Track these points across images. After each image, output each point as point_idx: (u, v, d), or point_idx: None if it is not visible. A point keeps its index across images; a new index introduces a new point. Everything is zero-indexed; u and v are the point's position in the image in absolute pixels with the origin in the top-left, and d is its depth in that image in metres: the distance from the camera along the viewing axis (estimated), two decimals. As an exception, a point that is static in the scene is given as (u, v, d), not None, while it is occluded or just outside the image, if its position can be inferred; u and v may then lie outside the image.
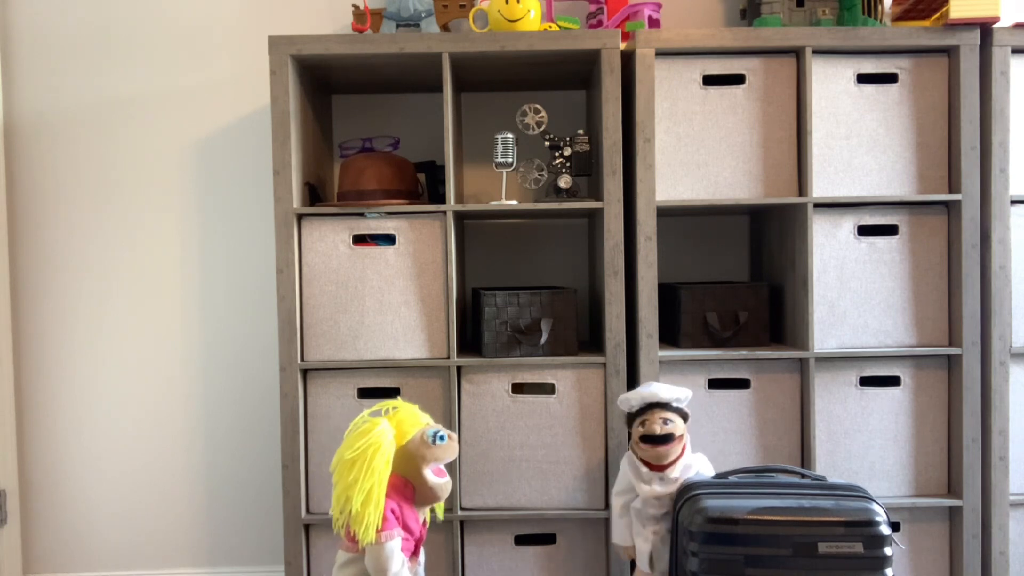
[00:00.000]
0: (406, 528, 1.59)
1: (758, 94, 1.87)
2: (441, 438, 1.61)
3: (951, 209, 1.88)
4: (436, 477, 1.60)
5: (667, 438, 1.63)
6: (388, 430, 1.56)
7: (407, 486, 1.59)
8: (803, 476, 1.64)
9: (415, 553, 1.63)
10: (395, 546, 1.54)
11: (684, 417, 1.68)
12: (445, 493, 1.62)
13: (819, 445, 1.88)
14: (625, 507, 1.73)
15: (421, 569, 1.66)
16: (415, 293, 1.87)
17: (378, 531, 1.52)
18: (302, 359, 1.87)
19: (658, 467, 1.66)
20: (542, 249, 2.26)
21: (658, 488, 1.66)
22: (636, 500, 1.71)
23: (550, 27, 1.92)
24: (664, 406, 1.66)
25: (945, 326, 1.89)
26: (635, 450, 1.69)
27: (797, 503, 1.54)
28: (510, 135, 1.88)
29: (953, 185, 1.87)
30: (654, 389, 1.67)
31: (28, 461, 2.26)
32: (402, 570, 1.55)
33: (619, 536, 1.75)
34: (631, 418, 1.70)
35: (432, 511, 1.70)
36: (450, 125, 1.86)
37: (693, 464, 1.68)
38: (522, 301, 1.88)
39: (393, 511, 1.56)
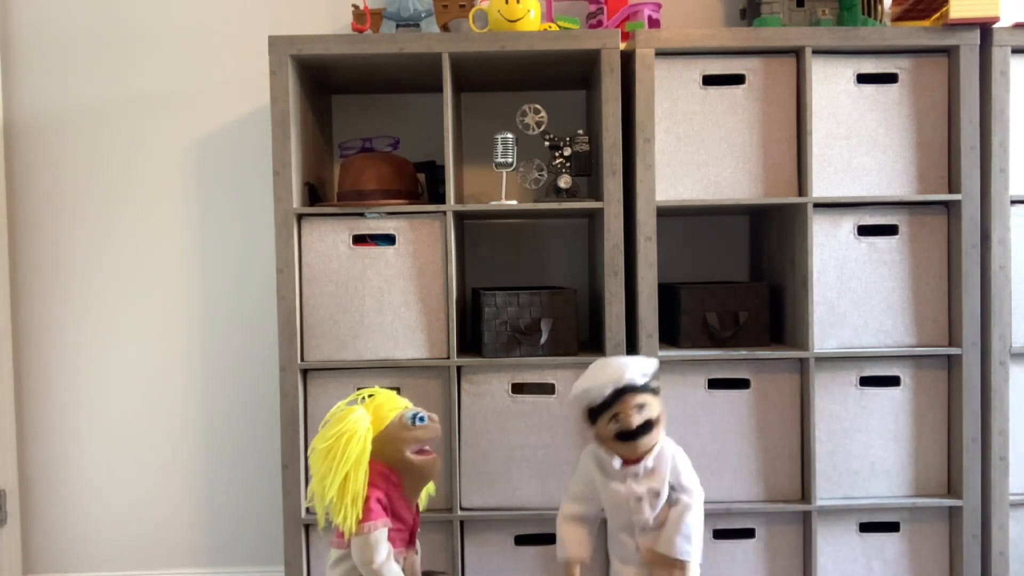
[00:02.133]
0: (397, 517, 1.54)
1: (758, 94, 1.87)
2: (420, 419, 1.55)
3: (951, 209, 1.88)
4: (420, 456, 1.55)
5: (646, 427, 1.45)
6: (364, 417, 1.52)
7: (393, 472, 1.55)
8: None
9: (411, 543, 1.59)
10: (380, 536, 1.49)
11: (656, 393, 1.49)
12: (433, 471, 1.57)
13: (819, 445, 1.88)
14: (579, 518, 1.56)
15: (418, 559, 1.62)
16: (415, 293, 1.87)
17: (360, 522, 1.48)
18: (302, 359, 1.87)
19: (635, 460, 1.50)
20: (542, 249, 2.26)
21: (635, 487, 1.50)
22: (604, 512, 1.54)
23: (550, 27, 1.92)
24: (635, 389, 1.46)
25: (945, 326, 1.89)
26: (606, 446, 1.52)
27: None
28: (510, 135, 1.88)
29: (953, 185, 1.87)
30: (618, 370, 1.45)
31: (28, 461, 2.26)
32: (388, 561, 1.50)
33: (569, 547, 1.55)
34: (594, 412, 1.49)
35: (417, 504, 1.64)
36: (450, 125, 1.86)
37: (666, 448, 1.53)
38: (522, 301, 1.88)
39: (379, 500, 1.51)
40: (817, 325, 1.87)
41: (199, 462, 2.27)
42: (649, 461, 1.51)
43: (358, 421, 1.51)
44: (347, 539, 1.51)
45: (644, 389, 1.48)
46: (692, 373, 1.88)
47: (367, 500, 1.50)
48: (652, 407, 1.48)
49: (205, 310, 2.25)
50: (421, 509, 1.66)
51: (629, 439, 1.46)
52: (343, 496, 1.48)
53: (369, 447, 1.52)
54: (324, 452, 1.49)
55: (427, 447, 1.58)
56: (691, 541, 1.52)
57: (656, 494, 1.53)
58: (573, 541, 1.58)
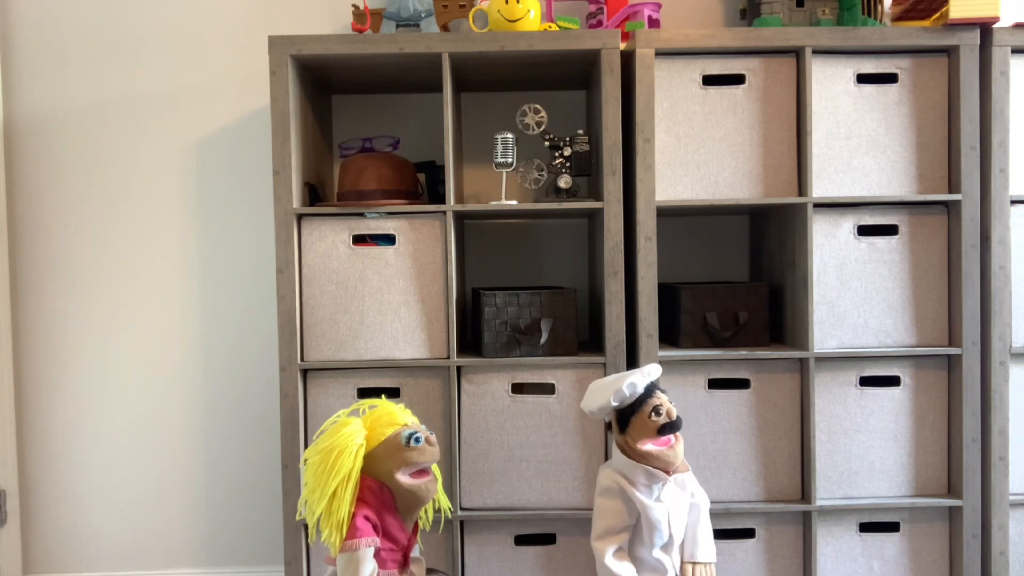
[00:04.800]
0: (388, 537, 1.48)
1: (758, 94, 1.87)
2: (416, 440, 1.48)
3: (951, 209, 1.88)
4: (412, 479, 1.49)
5: (679, 423, 1.48)
6: (358, 431, 1.48)
7: (384, 490, 1.49)
8: None
9: (404, 565, 1.52)
10: (364, 555, 1.44)
11: None
12: (428, 495, 1.50)
13: (819, 445, 1.88)
14: (622, 551, 1.51)
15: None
16: (415, 293, 1.87)
17: (345, 539, 1.43)
18: (302, 359, 1.87)
19: (667, 468, 1.52)
20: (542, 249, 2.27)
21: (674, 501, 1.52)
22: (634, 542, 1.53)
23: (550, 27, 1.92)
24: (657, 386, 1.52)
25: (945, 326, 1.89)
26: (639, 456, 1.51)
27: None
28: (510, 135, 1.88)
29: (953, 185, 1.87)
30: (639, 370, 1.49)
31: (28, 461, 2.26)
32: None
33: None
34: (624, 413, 1.51)
35: (419, 521, 1.59)
36: (450, 125, 1.86)
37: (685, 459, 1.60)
38: (522, 301, 1.88)
39: (367, 518, 1.46)
40: (817, 325, 1.87)
41: (199, 462, 2.27)
42: (685, 473, 1.56)
43: (351, 436, 1.47)
44: (332, 555, 1.47)
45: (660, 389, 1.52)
46: (692, 373, 1.88)
47: (354, 517, 1.45)
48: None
49: (205, 310, 2.25)
50: (424, 527, 1.59)
51: (671, 430, 1.48)
52: (329, 513, 1.43)
53: (360, 463, 1.47)
54: (315, 465, 1.46)
55: (425, 467, 1.52)
56: (712, 541, 1.62)
57: (687, 505, 1.59)
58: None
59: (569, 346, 1.89)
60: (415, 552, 1.60)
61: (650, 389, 1.51)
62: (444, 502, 1.62)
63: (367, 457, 1.49)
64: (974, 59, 1.83)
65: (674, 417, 1.48)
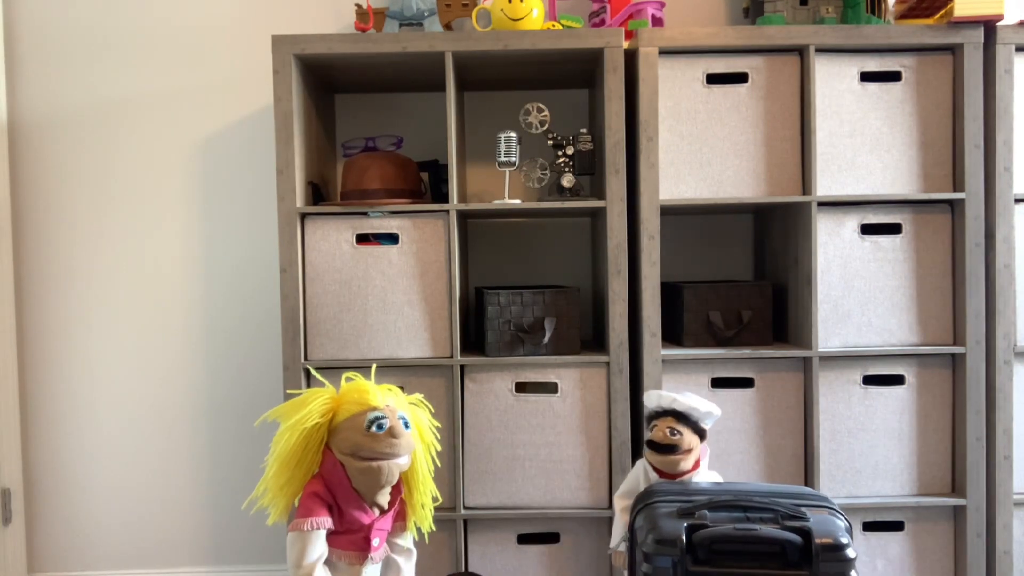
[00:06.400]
0: (346, 517, 1.41)
1: (761, 92, 1.87)
2: (379, 427, 1.39)
3: (955, 208, 1.87)
4: (363, 461, 1.40)
5: (670, 448, 1.56)
6: (321, 407, 1.41)
7: (338, 466, 1.41)
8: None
9: (367, 548, 1.43)
10: (309, 538, 1.37)
11: (700, 434, 1.58)
12: (384, 475, 1.40)
13: (823, 444, 1.88)
14: (626, 510, 1.65)
15: (374, 568, 1.47)
16: (418, 292, 1.87)
17: (297, 517, 1.37)
18: (305, 358, 1.87)
19: (669, 476, 1.59)
20: (545, 248, 2.26)
21: None
22: None
23: (553, 26, 1.92)
24: (678, 416, 1.58)
25: (949, 325, 1.88)
26: (649, 458, 1.63)
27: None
28: (513, 134, 1.88)
29: (957, 183, 1.86)
30: (675, 396, 1.59)
31: (32, 460, 2.27)
32: (318, 565, 1.37)
33: (619, 540, 1.66)
34: (648, 419, 1.63)
35: (407, 510, 1.52)
36: (453, 124, 1.86)
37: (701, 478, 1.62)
38: (525, 300, 1.88)
39: (318, 495, 1.38)
40: (821, 324, 1.87)
41: (202, 461, 2.27)
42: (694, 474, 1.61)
43: (310, 415, 1.40)
44: (270, 523, 1.43)
45: (685, 421, 1.58)
46: (695, 372, 1.88)
47: (304, 494, 1.40)
48: (685, 439, 1.57)
49: (208, 309, 2.26)
50: (424, 527, 1.53)
51: (653, 449, 1.58)
52: (267, 482, 1.39)
53: (313, 442, 1.42)
54: (278, 437, 1.42)
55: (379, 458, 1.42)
56: None
57: None
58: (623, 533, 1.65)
59: (572, 345, 1.89)
60: (404, 541, 1.54)
61: (667, 412, 1.59)
62: (430, 489, 1.53)
63: (333, 430, 1.43)
64: (978, 57, 1.83)
65: (657, 441, 1.57)
